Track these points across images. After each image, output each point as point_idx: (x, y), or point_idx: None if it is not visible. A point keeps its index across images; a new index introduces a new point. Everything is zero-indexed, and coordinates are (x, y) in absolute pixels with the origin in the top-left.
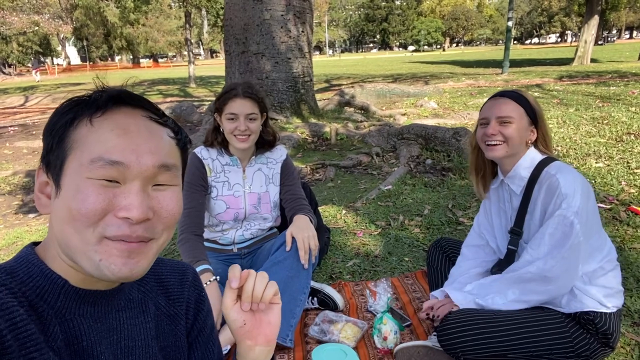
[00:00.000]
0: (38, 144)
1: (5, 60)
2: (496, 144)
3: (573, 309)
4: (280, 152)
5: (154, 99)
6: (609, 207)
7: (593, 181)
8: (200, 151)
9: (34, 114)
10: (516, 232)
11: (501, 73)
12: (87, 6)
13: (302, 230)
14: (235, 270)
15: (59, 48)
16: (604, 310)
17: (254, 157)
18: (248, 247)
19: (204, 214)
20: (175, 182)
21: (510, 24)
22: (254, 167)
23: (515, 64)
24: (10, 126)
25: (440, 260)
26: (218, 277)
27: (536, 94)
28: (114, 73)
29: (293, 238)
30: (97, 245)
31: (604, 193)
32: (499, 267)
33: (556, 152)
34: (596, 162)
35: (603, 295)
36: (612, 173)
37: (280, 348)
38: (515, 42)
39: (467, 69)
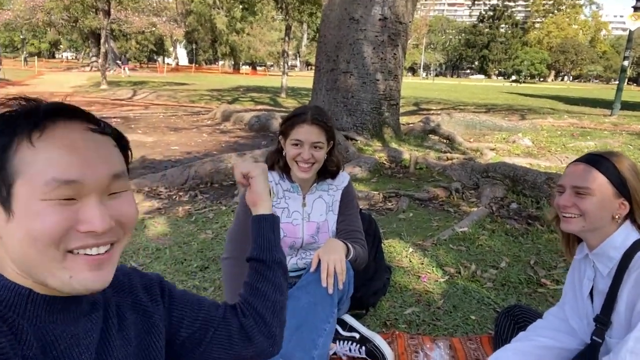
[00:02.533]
0: (133, 137)
1: (124, 55)
2: (571, 217)
3: None
4: (342, 178)
5: (246, 104)
6: None
7: None
8: None
9: (138, 108)
10: (602, 322)
11: (610, 115)
12: (200, 13)
13: (330, 252)
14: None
15: (171, 49)
16: None
17: (315, 184)
18: (299, 277)
19: None
20: (126, 187)
21: (626, 63)
22: (315, 194)
23: (627, 106)
24: (114, 117)
25: (510, 331)
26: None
27: None
28: (216, 77)
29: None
30: (64, 261)
31: None
32: (580, 358)
33: None
34: None
35: None
36: None
37: None
38: (630, 82)
39: (570, 107)
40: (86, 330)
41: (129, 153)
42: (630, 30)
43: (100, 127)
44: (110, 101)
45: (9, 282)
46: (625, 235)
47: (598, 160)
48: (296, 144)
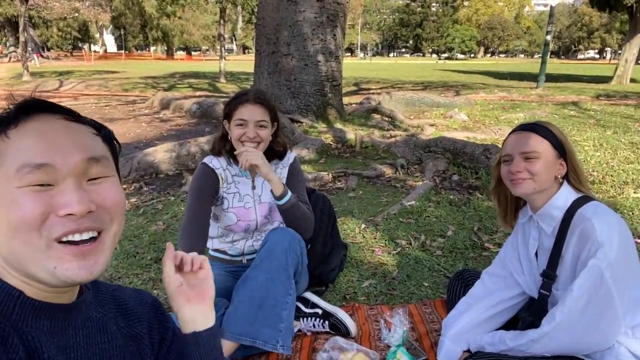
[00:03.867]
0: None
1: (45, 44)
2: (522, 180)
3: None
4: (288, 156)
5: (184, 91)
6: None
7: (631, 213)
8: (211, 160)
9: (66, 99)
10: (549, 276)
11: (536, 87)
12: None
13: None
14: (171, 250)
15: (97, 35)
16: None
17: None
18: None
19: (208, 224)
20: (110, 173)
21: (548, 37)
22: None
23: (551, 78)
24: None
25: (461, 293)
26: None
27: (572, 112)
28: (148, 63)
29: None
30: (48, 251)
31: None
32: (529, 312)
33: (591, 178)
34: (634, 192)
35: None
36: None
37: None
38: (552, 56)
39: (500, 81)
40: (72, 344)
41: (115, 143)
42: (551, 6)
43: (75, 117)
44: (36, 94)
45: (1, 281)
46: (565, 196)
47: (536, 128)
48: (241, 124)
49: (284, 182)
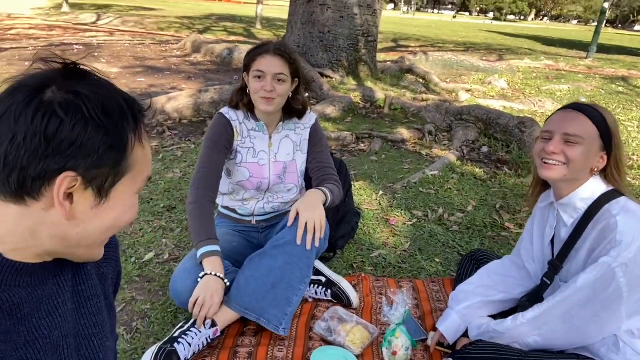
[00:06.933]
0: (96, 67)
1: None
2: (555, 164)
3: None
4: (309, 117)
5: (219, 35)
6: None
7: None
8: (228, 112)
9: (102, 34)
10: (555, 266)
11: (586, 57)
12: None
13: (308, 208)
14: None
15: None
16: None
17: (281, 122)
18: (267, 220)
19: (220, 177)
20: None
21: (606, 4)
22: (281, 133)
23: (603, 49)
24: (76, 44)
25: (471, 274)
26: (225, 280)
27: (620, 88)
28: (187, 2)
29: (297, 216)
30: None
31: None
32: (528, 297)
33: (630, 162)
34: None
35: None
36: None
37: (279, 338)
38: (607, 24)
39: (548, 48)
40: (52, 293)
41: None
42: None
43: None
44: (72, 25)
45: None
46: (594, 188)
47: (589, 111)
48: (258, 76)
49: (306, 145)
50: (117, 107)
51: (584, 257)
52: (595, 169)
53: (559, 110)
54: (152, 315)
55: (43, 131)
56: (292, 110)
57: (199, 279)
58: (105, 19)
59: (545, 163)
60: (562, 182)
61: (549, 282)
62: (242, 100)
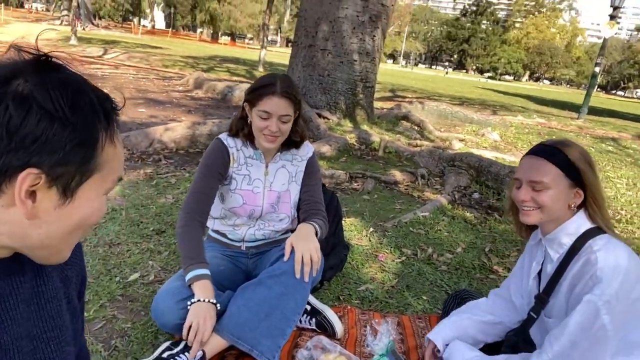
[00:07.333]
0: None
1: (97, 12)
2: (529, 210)
3: None
4: (307, 149)
5: (221, 74)
6: None
7: None
8: (226, 138)
9: (107, 67)
10: (542, 299)
11: (577, 118)
12: None
13: (303, 241)
14: None
15: (148, 10)
16: None
17: (279, 153)
18: (257, 247)
19: (212, 202)
20: None
21: (597, 69)
22: (278, 163)
23: (594, 111)
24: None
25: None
26: (217, 303)
27: (610, 147)
28: (192, 44)
29: (292, 249)
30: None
31: None
32: (515, 332)
33: (618, 216)
34: None
35: None
36: None
37: None
38: (598, 89)
39: (541, 107)
40: (5, 294)
41: None
42: (604, 38)
43: None
44: (79, 57)
45: None
46: (578, 224)
47: (551, 152)
48: (264, 117)
49: (301, 177)
50: (88, 102)
51: (564, 292)
52: (573, 205)
53: (524, 155)
54: (132, 335)
55: (5, 124)
56: (290, 141)
57: (188, 306)
58: (111, 54)
59: (522, 209)
60: (544, 222)
61: (535, 317)
62: (243, 130)
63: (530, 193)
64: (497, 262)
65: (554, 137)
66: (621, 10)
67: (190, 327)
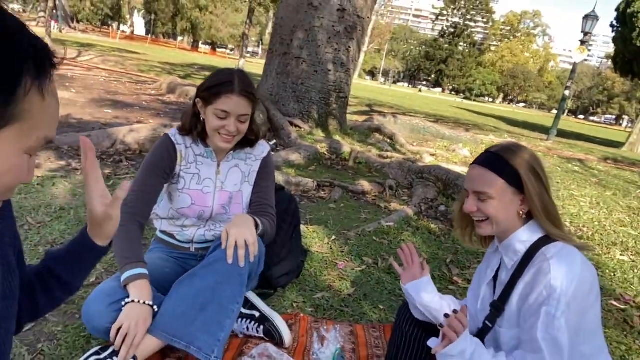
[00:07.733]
0: (64, 95)
1: (76, 16)
2: (480, 220)
3: None
4: (262, 148)
5: (198, 82)
6: (622, 307)
7: (612, 274)
8: (175, 135)
9: (79, 69)
10: (497, 308)
11: (546, 139)
12: None
13: (238, 227)
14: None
15: (128, 16)
16: None
17: (232, 151)
18: (206, 249)
19: (154, 202)
20: None
21: (567, 92)
22: (231, 162)
23: (562, 134)
24: None
25: (409, 320)
26: (154, 305)
27: (576, 168)
28: (171, 51)
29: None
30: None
31: (621, 290)
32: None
33: (580, 234)
34: (621, 254)
35: None
36: (636, 270)
37: None
38: (569, 114)
39: (512, 128)
40: None
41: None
42: (575, 62)
43: None
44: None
45: None
46: (531, 231)
47: (493, 161)
48: (222, 117)
49: (255, 177)
50: (16, 44)
51: (516, 300)
52: (521, 212)
53: (470, 164)
54: (62, 339)
55: None
56: (245, 139)
57: (122, 306)
58: (86, 56)
59: (475, 221)
60: (497, 232)
61: (490, 326)
62: (197, 129)
63: (476, 203)
64: (458, 274)
65: (501, 143)
66: (592, 37)
67: (119, 329)
